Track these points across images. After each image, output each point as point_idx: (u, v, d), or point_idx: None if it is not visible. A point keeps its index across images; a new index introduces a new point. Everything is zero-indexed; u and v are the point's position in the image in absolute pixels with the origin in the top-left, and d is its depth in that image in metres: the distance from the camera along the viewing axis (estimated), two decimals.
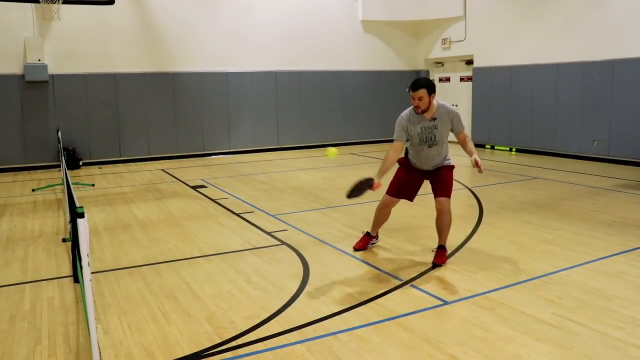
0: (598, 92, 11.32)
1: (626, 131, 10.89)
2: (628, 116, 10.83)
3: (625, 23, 10.74)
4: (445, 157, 5.18)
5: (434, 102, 4.95)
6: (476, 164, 4.74)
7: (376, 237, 5.69)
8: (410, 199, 5.36)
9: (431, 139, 5.00)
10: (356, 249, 5.58)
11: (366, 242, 5.61)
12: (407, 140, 5.09)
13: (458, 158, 12.41)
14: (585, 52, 11.48)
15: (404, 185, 5.25)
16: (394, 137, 5.08)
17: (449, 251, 5.46)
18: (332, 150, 5.05)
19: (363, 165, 11.39)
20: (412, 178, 5.24)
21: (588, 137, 11.61)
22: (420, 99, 4.84)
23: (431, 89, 4.86)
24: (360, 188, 4.77)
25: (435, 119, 4.97)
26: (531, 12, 12.65)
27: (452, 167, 5.22)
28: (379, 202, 5.45)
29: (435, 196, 5.11)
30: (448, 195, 5.07)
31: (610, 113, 11.13)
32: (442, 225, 5.13)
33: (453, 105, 15.94)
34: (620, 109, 10.95)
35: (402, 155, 5.26)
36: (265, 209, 7.56)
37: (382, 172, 4.91)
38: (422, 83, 4.84)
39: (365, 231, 5.68)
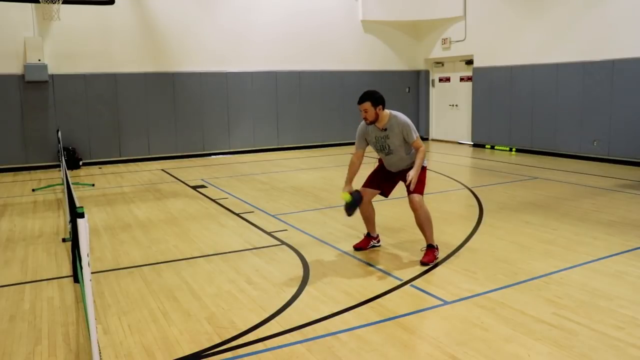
0: (598, 92, 11.32)
1: (626, 131, 10.89)
2: (628, 116, 10.82)
3: (625, 23, 10.74)
4: (413, 160, 5.18)
5: (385, 112, 5.12)
6: (408, 183, 4.98)
7: (377, 239, 5.70)
8: (384, 192, 5.44)
9: (386, 147, 5.21)
10: (356, 248, 5.59)
11: (367, 243, 5.62)
12: (368, 145, 5.35)
13: (455, 157, 12.48)
14: (585, 52, 11.48)
15: (377, 177, 5.43)
16: (355, 146, 5.38)
17: (449, 250, 5.47)
18: (345, 195, 5.22)
19: (363, 165, 11.36)
20: (385, 172, 5.38)
21: (588, 137, 11.61)
22: (365, 111, 5.06)
23: (375, 101, 5.04)
24: (354, 203, 5.14)
25: (386, 129, 5.13)
26: (531, 12, 12.65)
27: (422, 168, 5.21)
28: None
29: (407, 194, 5.21)
30: (418, 191, 5.13)
31: (610, 113, 11.13)
32: (420, 222, 5.19)
33: (453, 105, 16.08)
34: (620, 109, 10.95)
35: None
36: (265, 209, 7.56)
37: (348, 180, 5.27)
38: (366, 96, 5.06)
39: (366, 232, 5.68)
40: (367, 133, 5.28)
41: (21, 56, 11.58)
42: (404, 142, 5.13)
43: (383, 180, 5.42)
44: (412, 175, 4.99)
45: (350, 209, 5.17)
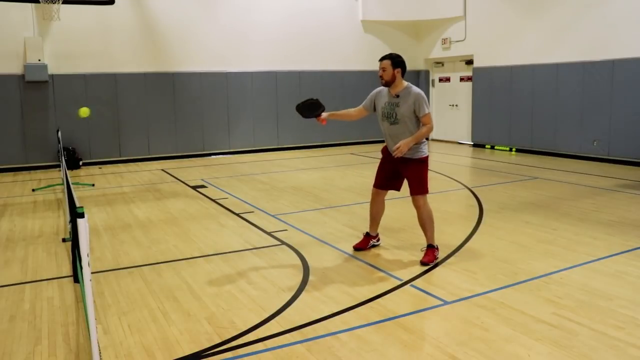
0: (598, 92, 11.32)
1: (626, 131, 10.89)
2: (628, 116, 10.82)
3: (625, 23, 10.74)
4: (415, 146, 5.08)
5: (403, 81, 5.16)
6: (396, 148, 4.99)
7: (377, 238, 5.70)
8: (395, 187, 5.42)
9: (392, 115, 5.14)
10: (356, 248, 5.59)
11: (366, 243, 5.62)
12: (374, 111, 5.38)
13: (455, 157, 12.48)
14: (585, 52, 11.48)
15: (384, 175, 5.38)
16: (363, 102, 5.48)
17: (449, 250, 5.47)
18: (84, 110, 5.14)
19: (363, 165, 11.39)
20: (390, 167, 5.33)
21: (588, 137, 11.61)
22: (383, 69, 5.10)
23: (396, 63, 5.09)
24: (310, 108, 5.24)
25: (398, 96, 5.10)
26: (531, 12, 12.65)
27: (423, 159, 5.16)
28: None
29: (410, 194, 5.22)
30: (420, 192, 5.14)
31: (610, 113, 11.13)
32: (422, 221, 5.22)
33: (453, 105, 16.05)
34: (620, 109, 10.95)
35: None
36: (265, 209, 7.56)
37: (334, 114, 5.43)
38: (388, 56, 5.18)
39: (366, 232, 5.68)
40: (379, 96, 5.27)
41: (21, 56, 11.58)
42: (414, 115, 5.05)
43: (390, 176, 5.35)
44: (400, 144, 4.93)
45: (302, 107, 5.23)
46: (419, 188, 5.13)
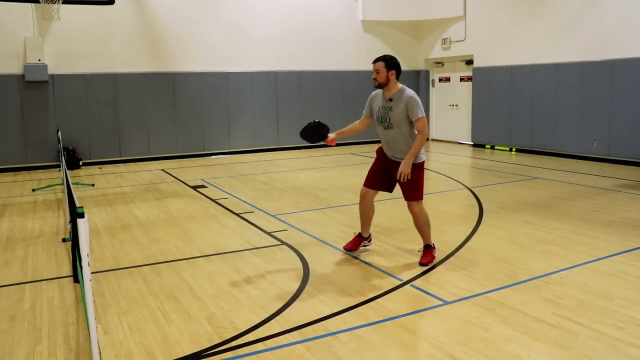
0: (598, 92, 11.32)
1: (626, 131, 10.89)
2: (628, 116, 10.83)
3: (625, 23, 10.74)
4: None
5: (397, 84, 5.00)
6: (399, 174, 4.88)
7: (369, 239, 5.58)
8: (386, 189, 5.27)
9: (386, 120, 5.00)
10: (346, 249, 5.47)
11: (357, 243, 5.49)
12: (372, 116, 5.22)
13: (455, 157, 12.48)
14: (585, 52, 11.49)
15: (377, 175, 5.23)
16: (363, 112, 5.29)
17: (449, 250, 5.47)
18: None
19: (363, 165, 11.39)
20: (384, 169, 5.18)
21: (588, 137, 11.61)
22: (377, 71, 4.96)
23: (390, 64, 4.94)
24: (314, 132, 5.20)
25: (391, 100, 4.97)
26: (531, 12, 12.66)
27: (419, 165, 5.00)
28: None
29: (405, 199, 5.12)
30: (415, 198, 5.04)
31: (610, 113, 11.13)
32: (418, 226, 5.16)
33: (453, 105, 16.04)
34: (620, 109, 10.95)
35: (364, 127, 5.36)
36: (265, 209, 7.56)
37: (340, 132, 5.28)
38: (382, 57, 5.01)
39: (357, 232, 5.59)
40: (375, 99, 5.13)
41: (21, 56, 11.58)
42: (407, 119, 4.91)
43: (382, 178, 5.22)
44: (401, 169, 4.83)
45: (306, 132, 5.17)
46: (413, 194, 5.03)
